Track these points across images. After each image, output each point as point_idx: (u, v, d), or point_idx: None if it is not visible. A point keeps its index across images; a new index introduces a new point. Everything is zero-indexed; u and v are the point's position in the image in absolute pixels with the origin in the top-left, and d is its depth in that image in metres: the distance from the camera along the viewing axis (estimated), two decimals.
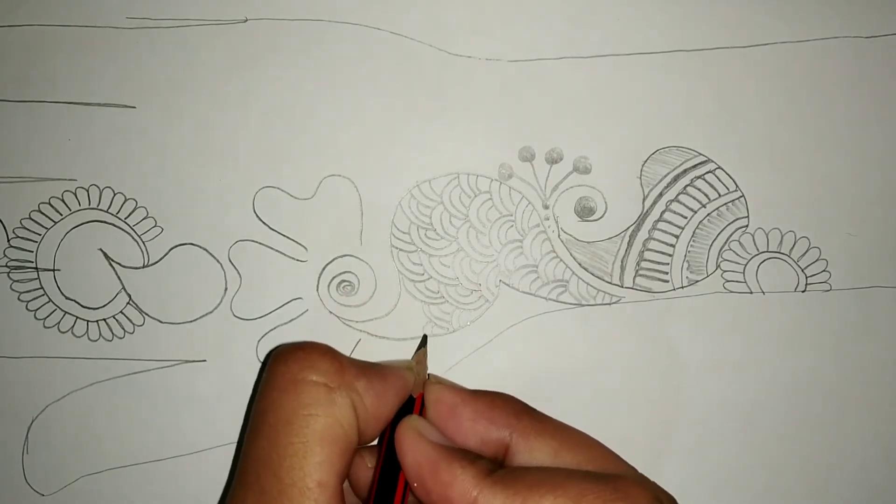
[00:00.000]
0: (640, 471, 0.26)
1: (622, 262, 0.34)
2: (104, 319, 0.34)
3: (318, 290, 0.34)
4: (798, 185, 0.34)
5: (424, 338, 0.33)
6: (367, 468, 0.27)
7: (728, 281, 0.34)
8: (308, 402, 0.24)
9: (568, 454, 0.26)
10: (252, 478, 0.24)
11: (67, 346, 0.34)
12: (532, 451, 0.26)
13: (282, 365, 0.25)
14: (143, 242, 0.34)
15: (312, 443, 0.23)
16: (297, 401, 0.24)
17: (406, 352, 0.34)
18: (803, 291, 0.34)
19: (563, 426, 0.27)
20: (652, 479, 0.25)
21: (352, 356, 0.33)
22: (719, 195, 0.34)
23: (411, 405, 0.27)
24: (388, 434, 0.26)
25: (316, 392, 0.24)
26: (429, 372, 0.29)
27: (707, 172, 0.34)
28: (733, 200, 0.34)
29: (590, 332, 0.34)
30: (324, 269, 0.34)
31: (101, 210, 0.34)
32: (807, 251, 0.34)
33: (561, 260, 0.34)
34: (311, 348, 0.25)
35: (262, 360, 0.34)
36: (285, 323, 0.34)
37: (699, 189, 0.34)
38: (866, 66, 0.34)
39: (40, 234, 0.34)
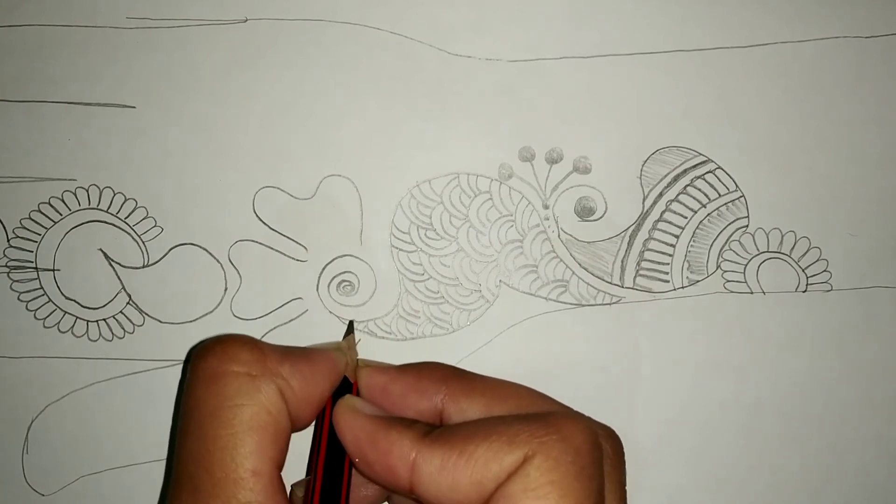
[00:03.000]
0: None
1: (622, 262, 0.34)
2: (104, 319, 0.34)
3: (318, 289, 0.34)
4: (798, 185, 0.34)
5: (351, 324, 0.33)
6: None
7: (728, 281, 0.34)
8: (232, 393, 0.24)
9: (499, 406, 0.26)
10: (185, 477, 0.23)
11: (67, 346, 0.34)
12: (464, 412, 0.26)
13: (202, 360, 0.25)
14: (143, 242, 0.34)
15: (241, 433, 0.23)
16: (221, 393, 0.24)
17: (407, 352, 0.34)
18: (804, 291, 0.34)
19: (491, 381, 0.27)
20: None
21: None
22: (719, 195, 0.34)
23: (348, 389, 0.28)
24: (326, 418, 0.26)
25: (238, 382, 0.24)
26: (358, 357, 0.29)
27: (707, 172, 0.34)
28: (733, 200, 0.34)
29: (590, 332, 0.34)
30: (324, 268, 0.34)
31: (100, 210, 0.34)
32: (807, 251, 0.34)
33: (561, 260, 0.34)
34: (229, 340, 0.25)
35: None
36: (285, 323, 0.34)
37: (699, 189, 0.34)
38: (866, 66, 0.34)
39: (40, 234, 0.34)
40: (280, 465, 0.24)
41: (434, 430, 0.24)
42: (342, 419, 0.26)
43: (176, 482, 0.24)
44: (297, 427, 0.26)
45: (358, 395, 0.28)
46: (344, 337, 0.32)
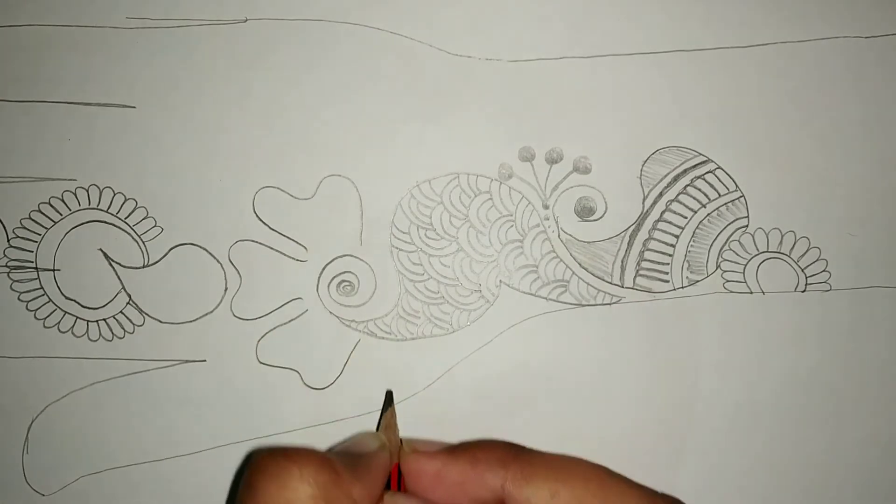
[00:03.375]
0: (639, 472, 0.26)
1: (622, 262, 0.34)
2: (104, 319, 0.34)
3: (317, 289, 0.34)
4: (798, 185, 0.34)
5: (389, 395, 0.32)
6: None
7: (728, 281, 0.34)
8: None
9: (566, 492, 0.25)
10: None
11: (67, 346, 0.34)
12: (529, 499, 0.25)
13: (278, 482, 0.23)
14: (143, 242, 0.34)
15: None
16: None
17: (407, 352, 0.34)
18: (803, 291, 0.34)
19: (556, 462, 0.26)
20: (652, 480, 0.25)
21: (350, 359, 0.33)
22: (719, 195, 0.34)
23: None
24: None
25: (312, 500, 0.23)
26: (401, 436, 0.28)
27: (707, 172, 0.34)
28: (733, 200, 0.34)
29: (590, 332, 0.34)
30: (324, 269, 0.34)
31: (100, 210, 0.34)
32: (807, 251, 0.34)
33: (561, 260, 0.34)
34: (306, 461, 0.23)
35: (262, 360, 0.34)
36: (285, 323, 0.34)
37: (699, 189, 0.34)
38: (866, 67, 0.34)
39: (40, 234, 0.34)
40: None
41: None
42: None
43: None
44: None
45: (399, 478, 0.27)
46: (382, 409, 0.31)
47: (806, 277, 0.34)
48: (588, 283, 0.34)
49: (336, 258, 0.34)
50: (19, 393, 0.34)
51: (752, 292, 0.34)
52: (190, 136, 0.34)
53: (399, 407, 0.33)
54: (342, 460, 0.24)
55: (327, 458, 0.24)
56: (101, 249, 0.34)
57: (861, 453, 0.34)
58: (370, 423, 0.34)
